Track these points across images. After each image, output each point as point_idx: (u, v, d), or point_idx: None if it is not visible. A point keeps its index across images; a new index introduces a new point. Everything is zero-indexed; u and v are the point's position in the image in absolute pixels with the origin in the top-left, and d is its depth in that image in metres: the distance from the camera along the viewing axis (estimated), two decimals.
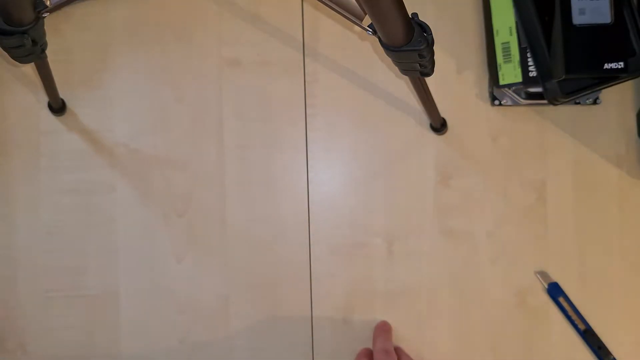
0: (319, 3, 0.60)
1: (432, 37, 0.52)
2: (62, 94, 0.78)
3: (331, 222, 0.79)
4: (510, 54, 0.76)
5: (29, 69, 0.80)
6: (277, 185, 0.79)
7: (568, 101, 0.75)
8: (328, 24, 0.80)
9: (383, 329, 0.75)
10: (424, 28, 0.52)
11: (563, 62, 0.70)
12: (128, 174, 0.79)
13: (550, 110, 0.79)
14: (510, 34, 0.76)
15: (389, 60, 0.55)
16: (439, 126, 0.77)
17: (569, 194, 0.78)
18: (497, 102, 0.78)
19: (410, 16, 0.50)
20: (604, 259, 0.77)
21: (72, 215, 0.79)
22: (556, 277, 0.77)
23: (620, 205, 0.78)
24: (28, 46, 0.55)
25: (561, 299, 0.76)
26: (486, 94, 0.79)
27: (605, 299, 0.77)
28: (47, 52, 0.61)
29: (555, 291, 0.76)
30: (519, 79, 0.75)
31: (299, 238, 0.78)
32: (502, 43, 0.76)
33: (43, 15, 0.55)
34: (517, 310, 0.78)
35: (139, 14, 0.80)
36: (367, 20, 0.55)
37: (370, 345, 0.77)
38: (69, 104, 0.80)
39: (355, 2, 0.56)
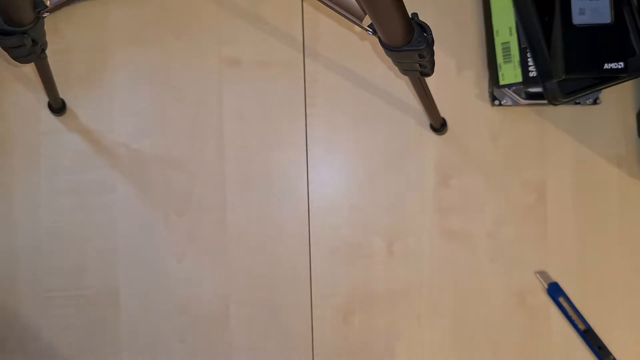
0: (319, 3, 0.60)
1: (432, 37, 0.52)
2: (62, 94, 0.78)
3: (331, 222, 0.79)
4: (510, 54, 0.76)
5: (29, 69, 0.80)
6: (277, 185, 0.79)
7: (568, 101, 0.75)
8: (328, 24, 0.80)
9: None
10: (424, 28, 0.52)
11: (563, 62, 0.70)
12: (128, 174, 0.79)
13: (550, 110, 0.79)
14: (510, 34, 0.76)
15: (389, 60, 0.55)
16: (439, 126, 0.77)
17: (569, 194, 0.78)
18: (497, 102, 0.78)
19: (410, 16, 0.50)
20: (604, 259, 0.77)
21: (72, 215, 0.79)
22: (556, 277, 0.77)
23: (620, 206, 0.78)
24: (28, 46, 0.55)
25: (561, 299, 0.76)
26: (486, 94, 0.79)
27: (605, 299, 0.77)
28: (47, 52, 0.61)
29: (555, 291, 0.76)
30: (519, 79, 0.75)
31: (299, 238, 0.78)
32: (502, 43, 0.76)
33: (43, 15, 0.55)
34: (517, 310, 0.78)
35: (139, 13, 0.80)
36: (367, 20, 0.55)
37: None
38: (69, 104, 0.80)
39: (355, 2, 0.56)
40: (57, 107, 0.78)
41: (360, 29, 0.57)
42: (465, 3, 0.80)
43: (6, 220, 0.79)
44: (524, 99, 0.77)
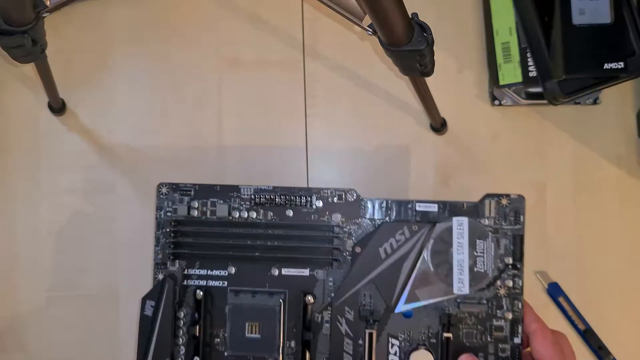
0: (319, 3, 0.60)
1: (432, 37, 0.52)
2: (62, 94, 0.78)
3: None
4: (510, 54, 0.76)
5: (29, 69, 0.80)
6: (276, 184, 0.79)
7: (568, 101, 0.75)
8: (328, 24, 0.80)
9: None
10: (424, 28, 0.52)
11: (563, 62, 0.70)
12: (128, 174, 0.79)
13: (550, 110, 0.79)
14: (510, 34, 0.76)
15: (389, 60, 0.55)
16: (439, 126, 0.77)
17: (569, 194, 0.78)
18: (497, 102, 0.78)
19: (410, 16, 0.50)
20: (604, 259, 0.77)
21: (72, 215, 0.79)
22: (556, 277, 0.77)
23: (620, 206, 0.78)
24: (28, 46, 0.55)
25: (561, 299, 0.76)
26: (486, 94, 0.79)
27: (605, 299, 0.77)
28: (47, 52, 0.61)
29: (555, 291, 0.76)
30: (519, 79, 0.75)
31: None
32: (502, 43, 0.76)
33: (43, 15, 0.55)
34: None
35: (139, 13, 0.80)
36: (367, 20, 0.55)
37: None
38: (69, 104, 0.80)
39: (355, 2, 0.56)
40: (57, 107, 0.78)
41: (360, 29, 0.57)
42: (465, 3, 0.80)
43: (6, 220, 0.79)
44: (524, 99, 0.77)
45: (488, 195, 0.60)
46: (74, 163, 0.79)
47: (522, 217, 0.61)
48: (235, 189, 0.62)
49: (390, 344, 0.58)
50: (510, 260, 0.60)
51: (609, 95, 0.78)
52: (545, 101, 0.76)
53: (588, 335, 0.76)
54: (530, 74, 0.75)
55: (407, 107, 0.79)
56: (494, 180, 0.78)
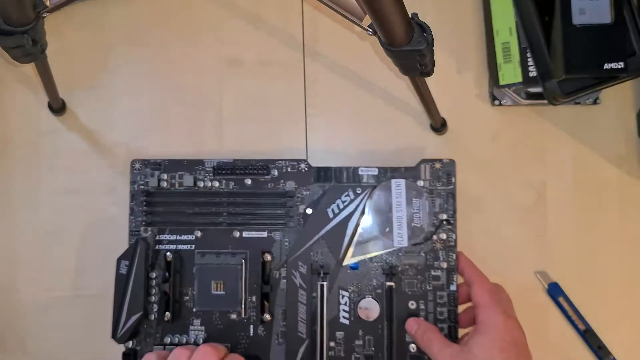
0: (319, 3, 0.60)
1: (432, 37, 0.52)
2: (62, 94, 0.78)
3: None
4: (510, 54, 0.76)
5: (29, 69, 0.80)
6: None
7: (568, 101, 0.75)
8: (328, 24, 0.80)
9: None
10: (424, 28, 0.52)
11: (563, 62, 0.70)
12: (128, 174, 0.79)
13: (550, 110, 0.79)
14: (510, 34, 0.76)
15: (389, 60, 0.55)
16: (439, 126, 0.77)
17: (569, 194, 0.78)
18: (497, 102, 0.78)
19: (410, 16, 0.50)
20: (604, 259, 0.77)
21: (72, 215, 0.79)
22: (556, 277, 0.77)
23: (620, 205, 0.78)
24: (28, 46, 0.55)
25: (561, 299, 0.76)
26: (486, 94, 0.79)
27: (605, 299, 0.77)
28: (47, 52, 0.61)
29: (555, 291, 0.76)
30: (519, 79, 0.75)
31: None
32: (502, 43, 0.76)
33: (43, 15, 0.55)
34: (516, 310, 0.77)
35: (139, 13, 0.80)
36: (367, 20, 0.55)
37: None
38: (69, 104, 0.80)
39: (355, 2, 0.56)
40: (57, 107, 0.78)
41: (360, 29, 0.57)
42: (465, 3, 0.80)
43: (6, 220, 0.79)
44: (524, 99, 0.77)
45: (423, 161, 0.68)
46: (74, 163, 0.79)
47: (453, 178, 0.68)
48: (200, 162, 0.69)
49: (340, 296, 0.65)
50: (444, 217, 0.67)
51: (609, 95, 0.78)
52: (545, 101, 0.76)
53: (588, 335, 0.76)
54: (530, 74, 0.75)
55: (407, 107, 0.79)
56: (494, 179, 0.78)
